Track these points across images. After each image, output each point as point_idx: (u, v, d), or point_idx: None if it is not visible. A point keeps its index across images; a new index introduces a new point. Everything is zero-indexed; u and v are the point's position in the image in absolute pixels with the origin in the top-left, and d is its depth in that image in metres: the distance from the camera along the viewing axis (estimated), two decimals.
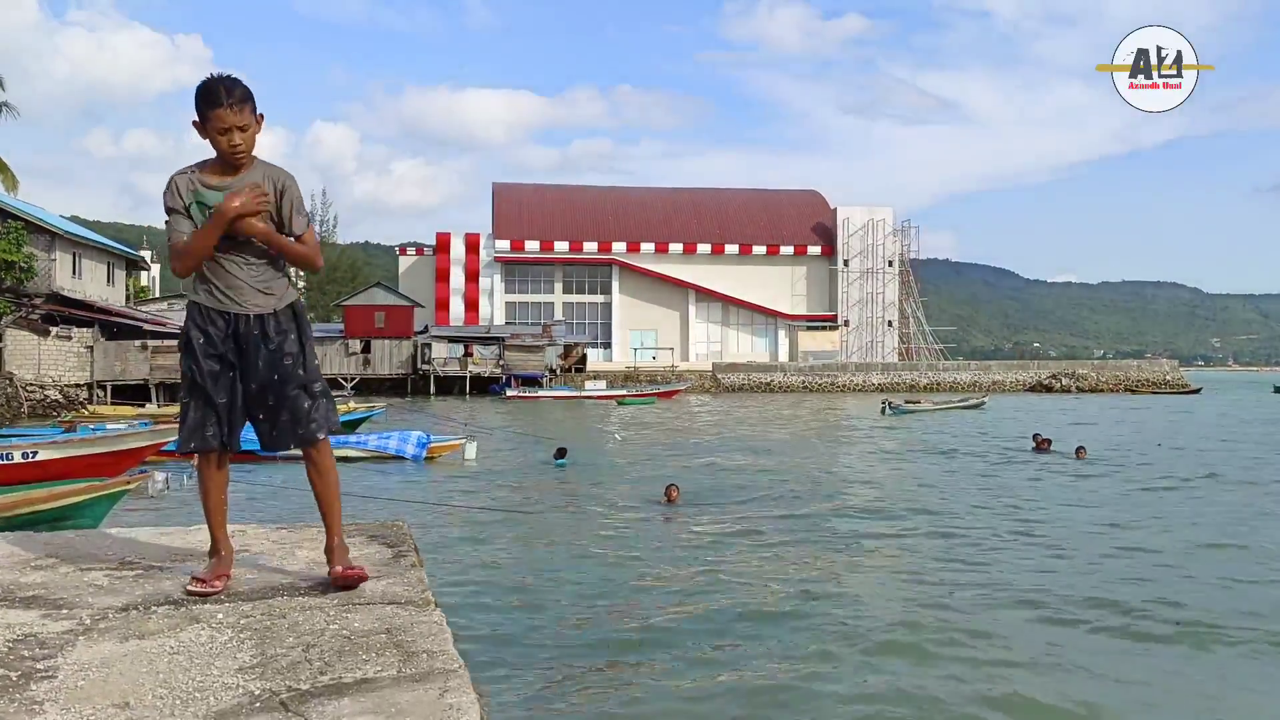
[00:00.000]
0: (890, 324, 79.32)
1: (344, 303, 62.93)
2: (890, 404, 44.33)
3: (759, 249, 79.12)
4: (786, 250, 79.53)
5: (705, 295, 78.23)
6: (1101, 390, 66.24)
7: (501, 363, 59.09)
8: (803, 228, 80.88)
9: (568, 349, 63.20)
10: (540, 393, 54.39)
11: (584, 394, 54.43)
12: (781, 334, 79.14)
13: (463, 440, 22.44)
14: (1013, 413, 42.65)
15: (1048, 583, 9.67)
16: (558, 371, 60.83)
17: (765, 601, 8.63)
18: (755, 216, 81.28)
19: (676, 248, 78.06)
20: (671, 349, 76.09)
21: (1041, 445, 22.99)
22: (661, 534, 12.07)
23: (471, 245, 77.25)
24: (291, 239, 3.17)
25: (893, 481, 18.16)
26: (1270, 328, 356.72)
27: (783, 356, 76.76)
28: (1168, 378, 70.15)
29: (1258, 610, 8.44)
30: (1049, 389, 66.73)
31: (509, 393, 53.55)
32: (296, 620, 3.22)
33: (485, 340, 61.03)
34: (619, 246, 77.45)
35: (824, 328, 77.97)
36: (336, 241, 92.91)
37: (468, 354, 59.79)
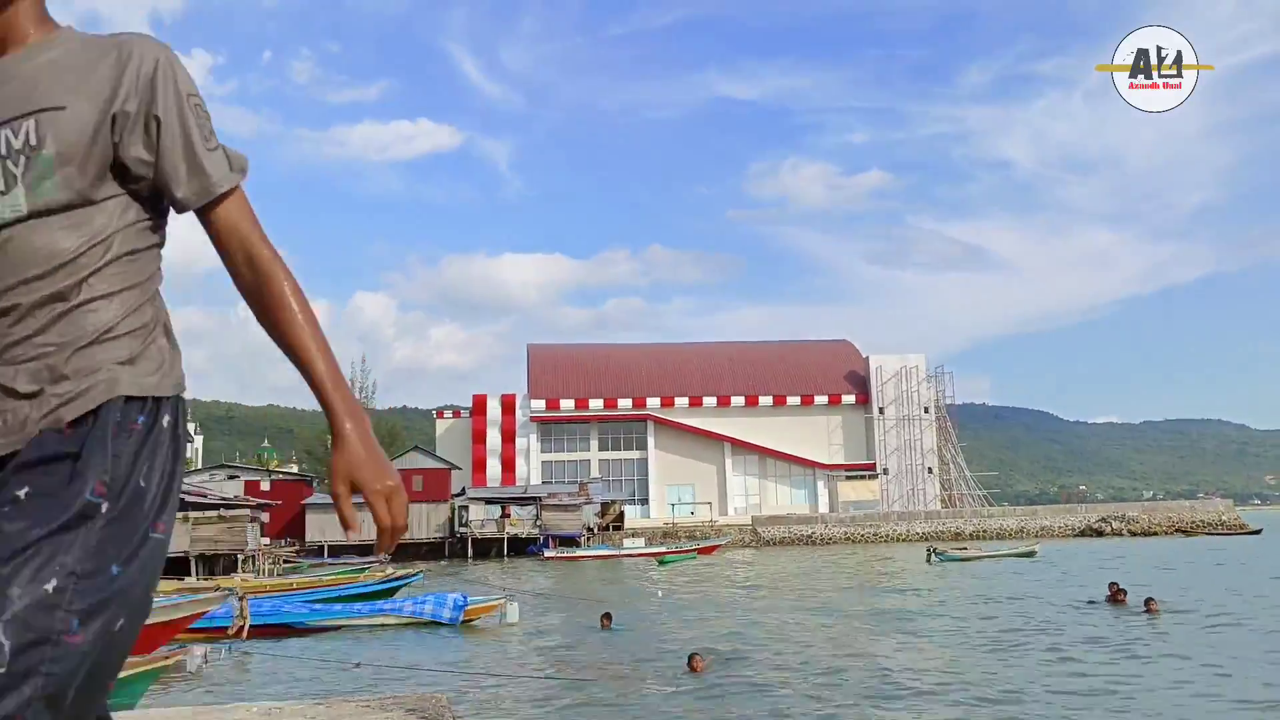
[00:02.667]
0: (930, 471, 78.32)
1: None
2: (936, 550, 43.25)
3: (793, 399, 79.35)
4: (821, 400, 79.67)
5: (741, 448, 78.03)
6: (1155, 533, 64.26)
7: (539, 523, 58.71)
8: (836, 377, 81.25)
9: (605, 507, 62.82)
10: (579, 552, 53.76)
11: (623, 553, 53.71)
12: (820, 484, 78.30)
13: (501, 600, 22.16)
14: (1068, 560, 41.37)
15: None
16: (595, 530, 60.29)
17: None
18: (788, 368, 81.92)
19: (710, 401, 78.51)
20: (709, 503, 75.39)
21: (1118, 597, 20.69)
22: (702, 705, 11.71)
23: (507, 406, 78.22)
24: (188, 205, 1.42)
25: (947, 649, 17.55)
26: None
27: (822, 507, 75.67)
28: (1224, 518, 68.05)
29: None
30: (1099, 533, 64.89)
31: (547, 553, 52.98)
32: None
33: (522, 501, 60.87)
34: (653, 402, 78.06)
35: (863, 477, 77.11)
36: (375, 407, 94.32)
37: (505, 515, 59.56)
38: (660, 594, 27.79)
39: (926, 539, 60.76)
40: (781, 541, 63.43)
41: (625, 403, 77.95)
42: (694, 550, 52.56)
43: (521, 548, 57.67)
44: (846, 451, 79.42)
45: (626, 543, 56.30)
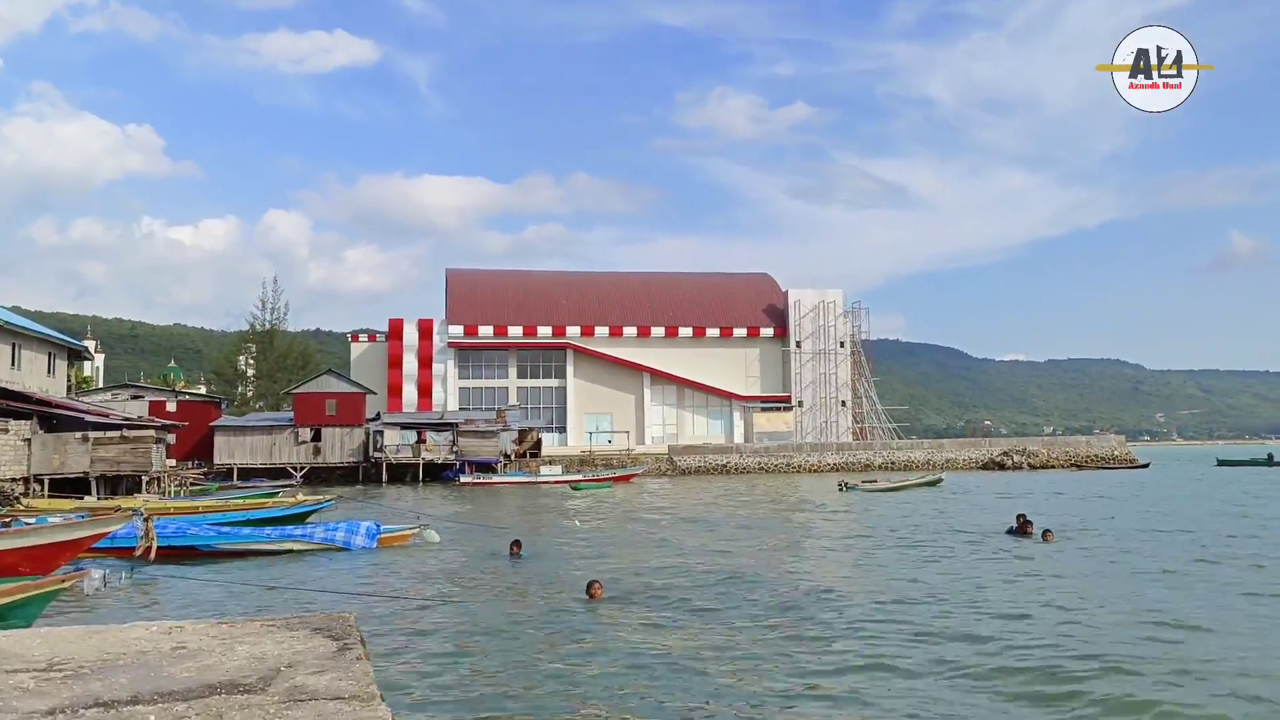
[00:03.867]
0: (843, 404, 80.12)
1: (294, 390, 62.18)
2: (847, 483, 44.51)
3: (712, 331, 79.98)
4: (739, 333, 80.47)
5: (660, 378, 78.57)
6: (1052, 466, 67.11)
7: (455, 449, 58.48)
8: (755, 310, 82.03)
9: (522, 434, 62.84)
10: (495, 479, 53.85)
11: (539, 479, 53.97)
12: (736, 416, 79.51)
13: (416, 529, 22.08)
14: (969, 490, 42.98)
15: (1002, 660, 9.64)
16: (512, 457, 60.35)
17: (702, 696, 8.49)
18: (708, 300, 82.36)
19: (631, 331, 78.63)
20: (627, 432, 75.97)
21: (1024, 527, 21.28)
22: (611, 628, 11.85)
23: (425, 331, 77.14)
24: None
25: (854, 569, 18.07)
26: (1210, 402, 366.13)
27: (738, 438, 76.99)
28: (1116, 453, 71.37)
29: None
30: (1001, 466, 67.47)
31: (463, 479, 52.93)
32: (234, 719, 3.09)
33: (438, 426, 60.48)
34: (573, 330, 77.84)
35: (778, 409, 78.51)
36: (287, 329, 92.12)
37: (421, 441, 59.15)
38: (578, 523, 28.02)
39: (837, 470, 62.53)
40: (697, 471, 64.45)
41: (545, 331, 77.59)
42: (610, 479, 53.08)
43: (437, 473, 57.49)
44: (763, 384, 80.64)
45: (543, 470, 56.54)
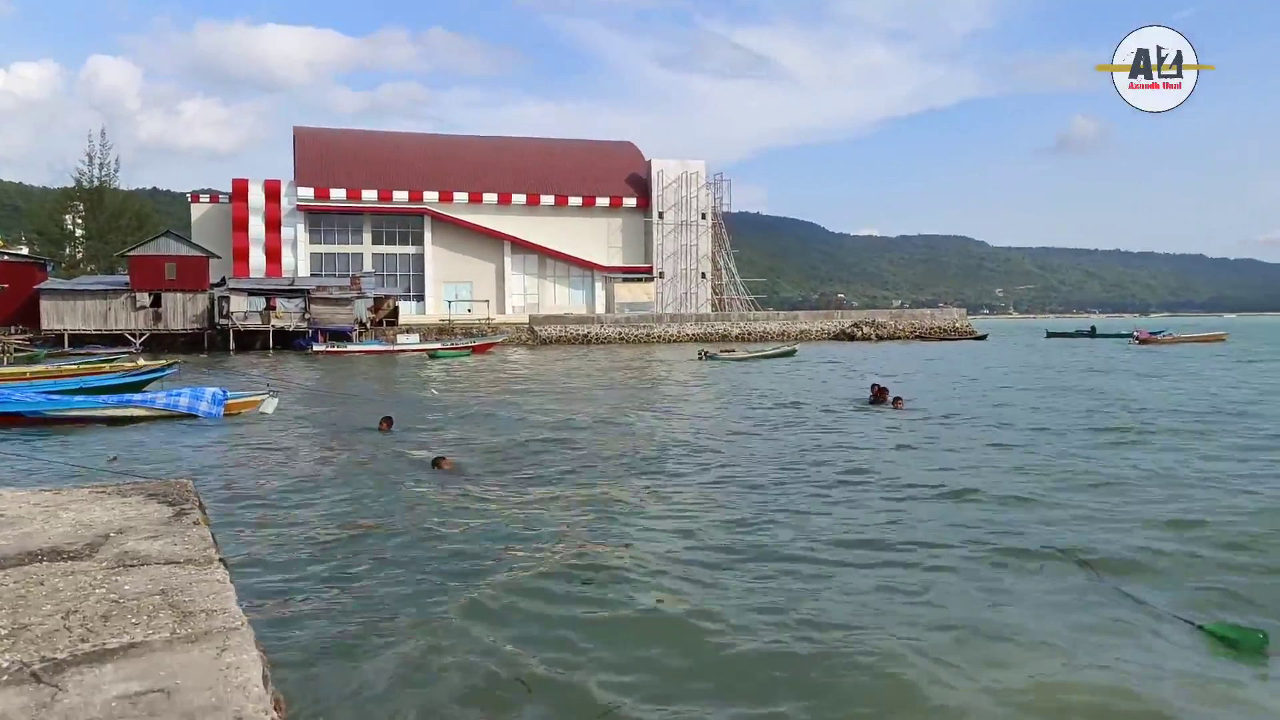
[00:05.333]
0: (704, 276, 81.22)
1: (129, 253, 58.41)
2: (707, 352, 45.60)
3: (575, 200, 79.00)
4: (602, 202, 79.78)
5: (521, 247, 77.53)
6: (899, 337, 70.40)
7: (307, 316, 56.63)
8: (618, 180, 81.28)
9: (378, 302, 61.27)
10: (350, 347, 52.63)
11: (396, 348, 53.07)
12: (598, 286, 79.60)
13: (264, 396, 21.40)
14: (819, 359, 44.69)
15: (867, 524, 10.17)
16: (368, 325, 58.93)
17: (540, 563, 8.67)
18: (571, 168, 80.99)
19: (491, 198, 76.82)
20: (487, 301, 75.14)
21: (880, 395, 22.08)
22: (455, 495, 11.90)
23: (271, 193, 73.26)
24: None
25: (712, 434, 18.58)
26: (1045, 278, 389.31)
27: (599, 308, 77.30)
28: (957, 325, 75.33)
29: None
30: (851, 337, 70.37)
31: (316, 348, 51.53)
32: (57, 586, 2.94)
33: (289, 293, 58.26)
34: (431, 196, 75.46)
35: (639, 279, 79.02)
36: (119, 187, 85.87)
37: (270, 308, 56.94)
38: (434, 391, 27.77)
39: (697, 340, 63.84)
40: (558, 340, 64.65)
41: (401, 195, 74.90)
42: (469, 348, 52.67)
43: (289, 342, 55.72)
44: (625, 254, 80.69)
45: (400, 339, 55.53)
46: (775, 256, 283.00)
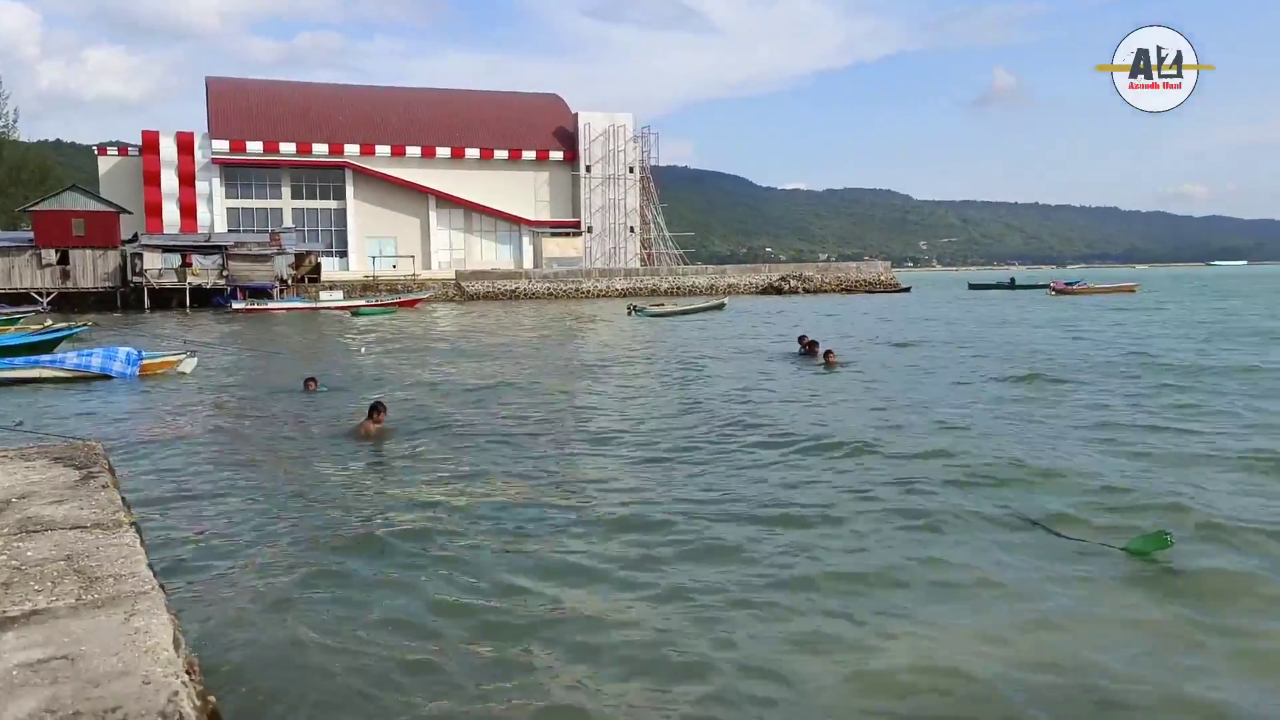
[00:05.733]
0: (632, 230, 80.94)
1: (33, 208, 55.93)
2: (636, 307, 45.57)
3: (500, 154, 77.80)
4: (529, 155, 78.71)
5: (446, 201, 76.23)
6: (825, 291, 71.26)
7: (225, 274, 55.07)
8: (544, 133, 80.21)
9: (299, 258, 59.75)
10: (271, 305, 51.38)
11: (319, 306, 52.00)
12: (525, 241, 78.82)
13: (182, 355, 20.82)
14: (748, 313, 45.04)
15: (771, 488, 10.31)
16: (289, 282, 57.51)
17: (464, 520, 8.65)
18: (496, 120, 79.61)
19: (414, 151, 75.19)
20: (412, 257, 73.91)
21: (809, 347, 22.25)
22: (375, 455, 11.77)
23: (184, 145, 70.63)
24: None
25: (642, 390, 18.61)
26: (967, 231, 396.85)
27: (527, 263, 76.62)
28: (881, 278, 76.48)
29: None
30: (779, 291, 70.97)
31: (235, 306, 50.22)
32: None
33: (205, 249, 56.49)
34: (352, 149, 73.57)
35: (567, 234, 78.44)
36: (19, 139, 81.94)
37: (186, 265, 55.18)
38: (362, 350, 27.32)
39: (625, 295, 63.73)
40: (486, 296, 64.02)
41: (321, 148, 72.85)
42: (395, 304, 51.85)
43: (206, 300, 54.18)
44: (553, 209, 79.89)
45: (324, 296, 54.40)
46: (704, 211, 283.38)
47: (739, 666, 5.30)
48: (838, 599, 6.28)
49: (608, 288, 67.66)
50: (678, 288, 68.57)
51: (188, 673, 2.12)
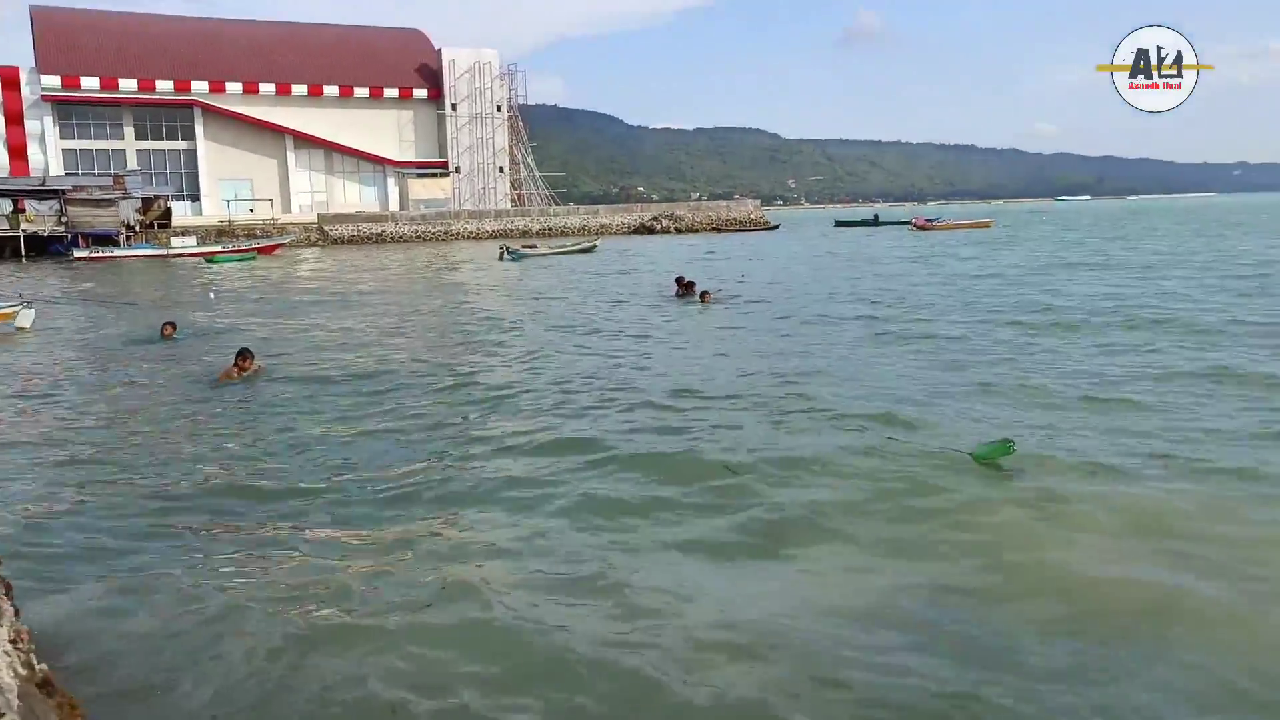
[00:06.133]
0: (501, 170, 79.28)
1: None
2: (508, 249, 44.72)
3: (361, 92, 74.65)
4: (391, 93, 75.79)
5: (305, 141, 72.89)
6: (697, 230, 71.60)
7: (64, 220, 51.35)
8: (407, 70, 77.30)
9: (147, 203, 56.18)
10: (117, 253, 48.27)
11: (170, 252, 49.16)
12: (391, 183, 76.29)
13: (17, 307, 19.27)
14: (621, 254, 44.82)
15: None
16: (137, 228, 54.09)
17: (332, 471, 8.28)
18: (355, 56, 76.23)
19: (269, 89, 71.39)
20: (270, 201, 70.63)
21: (686, 288, 22.31)
22: (242, 403, 11.16)
23: (9, 81, 65.09)
24: None
25: (518, 336, 18.21)
26: (834, 169, 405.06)
27: (393, 206, 74.28)
28: (751, 217, 77.31)
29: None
30: (651, 230, 70.94)
31: (77, 254, 46.97)
32: None
33: (40, 193, 52.50)
34: (200, 86, 69.28)
35: (435, 175, 76.26)
36: None
37: (19, 210, 51.18)
38: (213, 296, 25.93)
39: (497, 237, 62.59)
40: (350, 240, 61.86)
41: (165, 85, 68.29)
42: (253, 250, 49.50)
43: (43, 247, 50.49)
44: (418, 149, 77.39)
45: (175, 242, 51.40)
46: (574, 150, 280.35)
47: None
48: (718, 527, 6.21)
49: (478, 230, 66.29)
50: (550, 229, 67.75)
51: (12, 642, 1.84)
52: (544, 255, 44.76)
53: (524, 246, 47.30)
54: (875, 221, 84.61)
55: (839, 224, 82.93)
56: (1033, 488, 7.08)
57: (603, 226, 70.00)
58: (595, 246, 48.88)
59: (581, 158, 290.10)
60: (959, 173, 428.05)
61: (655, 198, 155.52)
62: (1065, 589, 5.41)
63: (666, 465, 8.05)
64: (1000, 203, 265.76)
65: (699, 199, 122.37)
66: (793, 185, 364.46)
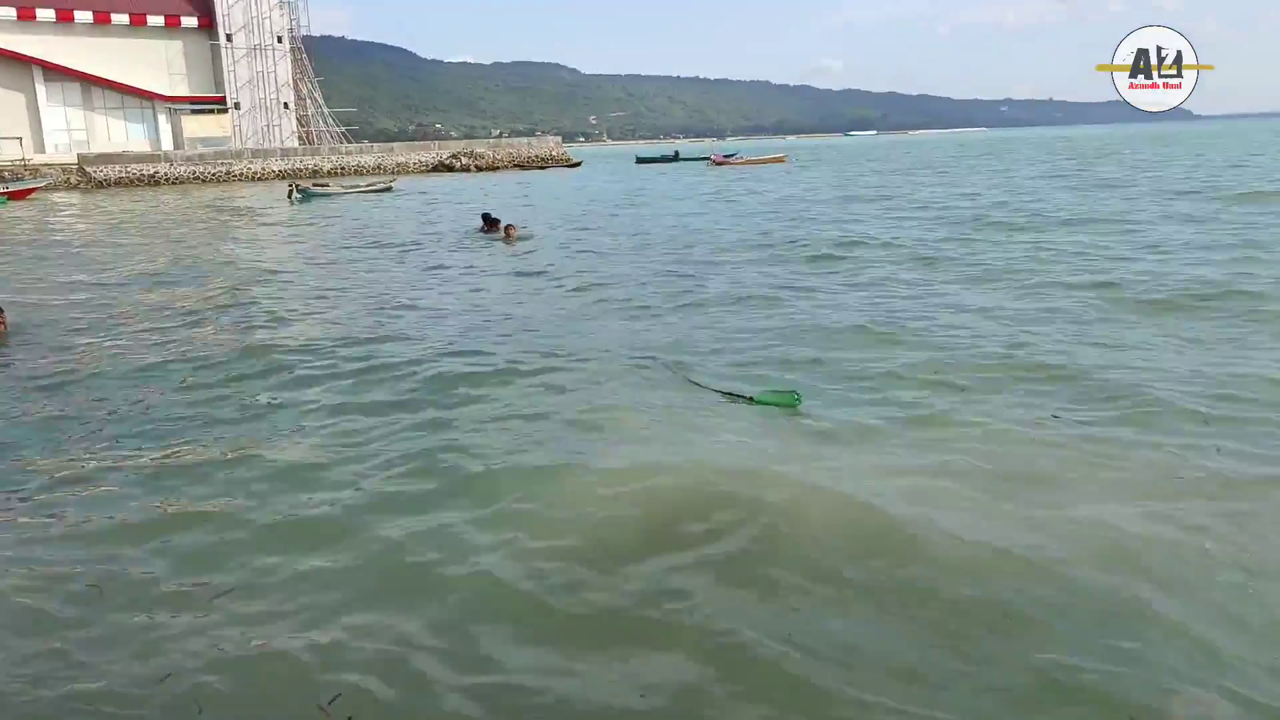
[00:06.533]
0: (286, 106, 74.52)
1: None
2: (298, 188, 42.22)
3: (120, 19, 67.84)
4: (156, 21, 69.33)
5: (57, 73, 65.76)
6: (498, 168, 70.10)
7: None
8: None
9: None
10: None
11: None
12: (162, 119, 70.21)
13: None
14: (421, 193, 43.24)
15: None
16: None
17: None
18: None
19: (8, 13, 63.67)
20: (20, 139, 63.56)
21: (492, 225, 21.95)
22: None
23: None
24: None
25: (312, 282, 17.14)
26: (634, 105, 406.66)
27: (166, 145, 68.53)
28: (554, 154, 76.38)
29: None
30: (451, 169, 68.87)
31: None
32: None
33: None
34: None
35: (211, 111, 70.83)
36: None
37: None
38: None
39: (284, 177, 59.01)
40: (118, 182, 56.79)
41: None
42: (3, 194, 44.52)
43: None
44: (191, 83, 71.41)
45: None
46: (366, 85, 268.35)
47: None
48: (491, 465, 5.93)
49: (263, 169, 62.30)
50: (342, 168, 64.56)
51: None
52: (337, 195, 42.57)
53: (315, 185, 44.90)
54: (675, 158, 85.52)
55: (640, 160, 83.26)
56: (814, 430, 7.07)
57: (399, 165, 67.42)
58: (392, 186, 46.98)
59: (374, 93, 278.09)
60: (754, 108, 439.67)
61: (455, 135, 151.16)
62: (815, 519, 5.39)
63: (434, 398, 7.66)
64: (795, 138, 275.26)
65: (500, 136, 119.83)
66: (594, 122, 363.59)
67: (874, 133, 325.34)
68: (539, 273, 16.12)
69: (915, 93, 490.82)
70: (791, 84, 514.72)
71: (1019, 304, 11.94)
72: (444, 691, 3.91)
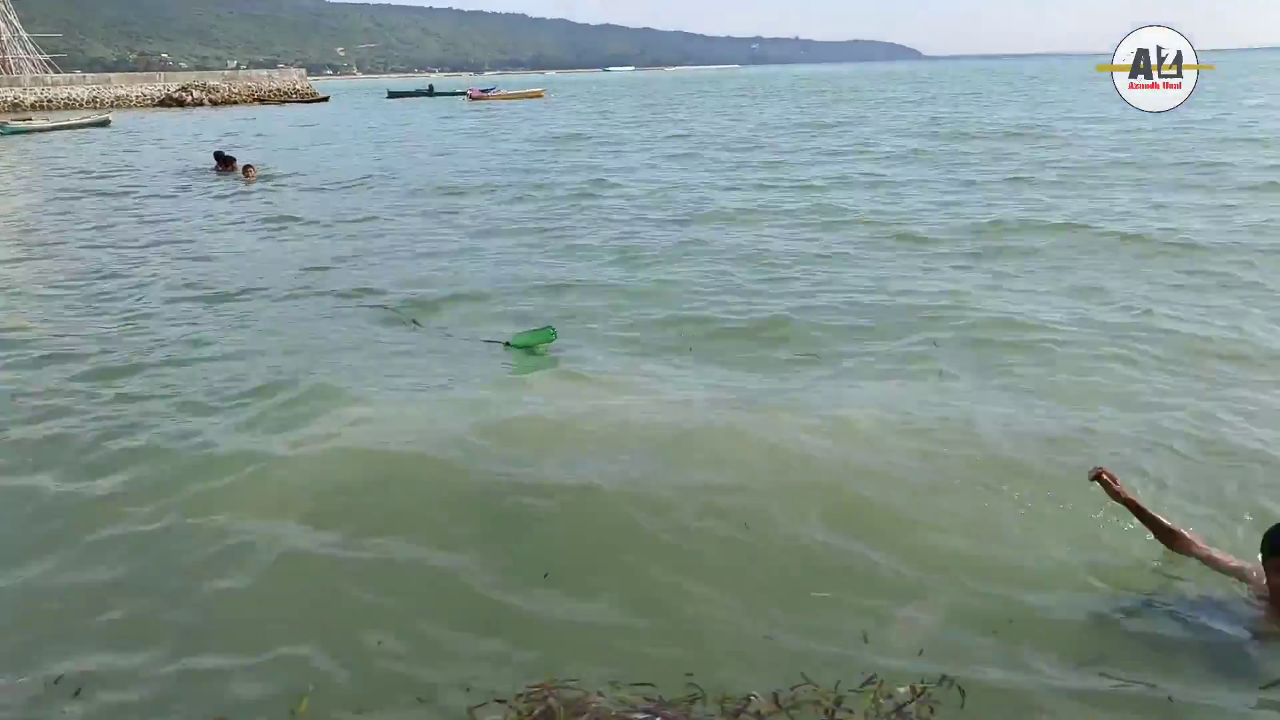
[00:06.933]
0: None
1: None
2: None
3: None
4: None
5: None
6: (236, 102, 64.97)
7: None
8: None
9: None
10: None
11: None
12: None
13: None
14: (144, 130, 39.33)
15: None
16: None
17: None
18: None
19: None
20: None
21: (227, 164, 20.63)
22: None
23: None
24: None
25: (19, 227, 15.27)
26: (385, 36, 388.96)
27: None
28: (298, 88, 71.67)
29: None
30: (181, 103, 63.16)
31: None
32: None
33: None
34: None
35: None
36: None
37: None
38: None
39: None
40: None
41: None
42: None
43: None
44: None
45: None
46: (74, 9, 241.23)
47: None
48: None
49: None
50: (49, 101, 57.72)
51: None
52: (42, 130, 38.05)
53: (15, 119, 40.01)
54: (430, 92, 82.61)
55: (392, 95, 79.84)
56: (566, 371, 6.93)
57: (118, 99, 61.11)
58: (108, 121, 42.49)
59: (85, 18, 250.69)
60: (511, 42, 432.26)
61: (184, 66, 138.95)
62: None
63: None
64: (553, 73, 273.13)
65: (237, 68, 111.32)
66: (343, 54, 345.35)
67: (632, 68, 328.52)
68: (279, 215, 15.01)
69: (671, 29, 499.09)
70: (548, 17, 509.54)
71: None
72: None
